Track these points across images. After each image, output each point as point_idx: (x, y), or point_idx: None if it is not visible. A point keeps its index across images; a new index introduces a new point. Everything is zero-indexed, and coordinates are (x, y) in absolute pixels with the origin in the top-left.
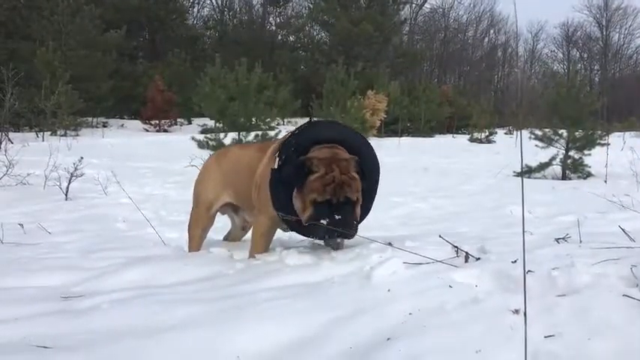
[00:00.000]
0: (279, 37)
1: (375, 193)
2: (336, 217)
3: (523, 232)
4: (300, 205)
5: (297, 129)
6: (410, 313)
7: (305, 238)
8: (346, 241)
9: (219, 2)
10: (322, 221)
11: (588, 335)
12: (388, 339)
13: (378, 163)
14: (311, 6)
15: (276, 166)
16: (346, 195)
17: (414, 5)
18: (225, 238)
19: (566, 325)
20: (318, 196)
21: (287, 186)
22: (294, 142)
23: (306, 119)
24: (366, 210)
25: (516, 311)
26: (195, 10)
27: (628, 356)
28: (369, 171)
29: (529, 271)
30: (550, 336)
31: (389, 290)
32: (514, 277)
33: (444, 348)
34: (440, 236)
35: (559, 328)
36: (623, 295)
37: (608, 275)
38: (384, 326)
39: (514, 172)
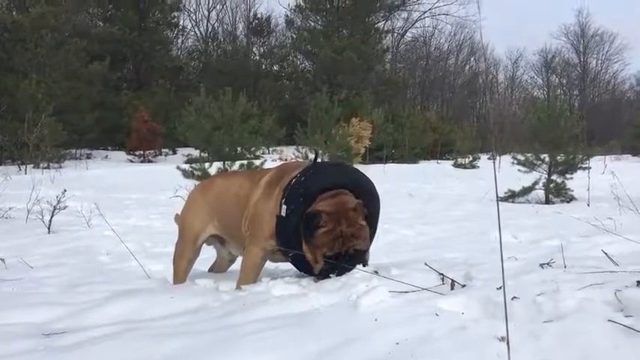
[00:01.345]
0: (263, 67)
1: (375, 232)
2: (344, 270)
3: (502, 258)
4: (310, 257)
5: (302, 174)
6: (397, 343)
7: (291, 268)
8: None
9: (203, 33)
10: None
11: None
12: None
13: (379, 203)
14: (294, 36)
15: (283, 214)
16: (355, 247)
17: (395, 34)
18: (211, 270)
19: (552, 351)
20: (328, 251)
21: (296, 233)
22: (301, 190)
23: (291, 148)
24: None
25: (503, 338)
26: (180, 41)
27: None
28: (373, 214)
29: (514, 297)
30: None
31: (376, 319)
32: (500, 304)
33: None
34: (425, 264)
35: (546, 355)
36: (608, 321)
37: (593, 300)
38: (371, 356)
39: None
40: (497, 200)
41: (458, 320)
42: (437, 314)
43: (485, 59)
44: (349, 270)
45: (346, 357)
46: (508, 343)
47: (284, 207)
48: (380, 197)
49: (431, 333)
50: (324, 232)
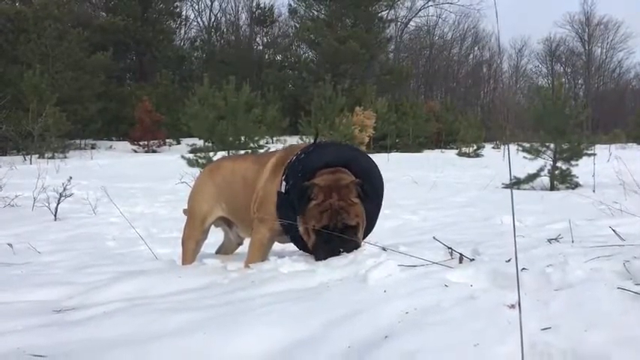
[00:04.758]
0: (267, 57)
1: (379, 211)
2: (336, 244)
3: (514, 226)
4: (302, 231)
5: (302, 152)
6: (407, 312)
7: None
8: None
9: (206, 23)
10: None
11: (584, 327)
12: (386, 337)
13: (383, 182)
14: (297, 25)
15: (283, 190)
16: (344, 221)
17: (399, 23)
18: (218, 252)
19: (562, 318)
20: (316, 223)
21: (294, 209)
22: (300, 167)
23: (295, 137)
24: (370, 227)
25: (512, 306)
26: (182, 31)
27: (624, 345)
28: (375, 191)
29: (523, 268)
30: (547, 328)
31: (385, 291)
32: (509, 275)
33: (443, 343)
34: (434, 237)
35: (555, 321)
36: (618, 288)
37: (601, 270)
38: (381, 325)
39: (503, 184)
40: (511, 179)
41: (467, 291)
42: (446, 285)
43: (498, 47)
44: (345, 251)
45: (356, 327)
46: (520, 305)
47: (284, 183)
48: (383, 179)
49: (440, 303)
50: (314, 204)
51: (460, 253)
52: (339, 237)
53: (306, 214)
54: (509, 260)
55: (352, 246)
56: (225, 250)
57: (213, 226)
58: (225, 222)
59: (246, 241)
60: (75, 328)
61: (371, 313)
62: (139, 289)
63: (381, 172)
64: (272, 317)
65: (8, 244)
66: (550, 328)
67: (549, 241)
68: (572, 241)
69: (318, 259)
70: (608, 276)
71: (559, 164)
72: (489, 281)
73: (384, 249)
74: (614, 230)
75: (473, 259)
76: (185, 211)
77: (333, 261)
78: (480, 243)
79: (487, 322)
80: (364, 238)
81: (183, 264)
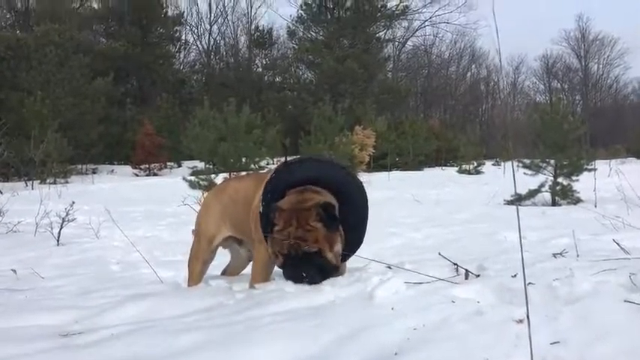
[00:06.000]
0: (266, 78)
1: (365, 221)
2: (300, 269)
3: (520, 239)
4: (271, 251)
5: (274, 172)
6: (415, 329)
7: None
8: (347, 266)
9: (206, 47)
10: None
11: (593, 339)
12: (396, 354)
13: (363, 195)
14: (296, 47)
15: (261, 210)
16: (303, 251)
17: (396, 43)
18: (223, 273)
19: (570, 331)
20: (280, 250)
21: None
22: (269, 188)
23: (296, 157)
24: (357, 240)
25: (520, 321)
26: (182, 55)
27: (632, 356)
28: (351, 203)
29: (530, 283)
30: (556, 342)
31: (392, 308)
32: (515, 290)
33: (452, 358)
34: (439, 254)
35: (564, 334)
36: (625, 301)
37: (608, 283)
38: (390, 342)
39: (504, 200)
40: (515, 193)
41: (474, 306)
42: (453, 301)
43: (500, 63)
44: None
45: (365, 344)
46: (528, 318)
47: (261, 203)
48: (364, 188)
49: (448, 318)
50: (276, 230)
51: (466, 270)
52: (304, 261)
53: (272, 238)
54: (515, 275)
55: (316, 271)
56: (231, 270)
57: (221, 247)
58: (234, 240)
59: None
60: (83, 350)
61: (379, 330)
62: (146, 311)
63: (382, 194)
64: (281, 334)
65: (12, 270)
66: (559, 342)
67: (554, 255)
68: (578, 255)
69: (286, 279)
70: (614, 289)
71: (560, 180)
72: (496, 297)
73: (389, 267)
74: (618, 244)
75: (479, 275)
76: (194, 232)
77: (339, 280)
78: (485, 259)
79: (495, 337)
80: (354, 252)
81: (189, 285)
